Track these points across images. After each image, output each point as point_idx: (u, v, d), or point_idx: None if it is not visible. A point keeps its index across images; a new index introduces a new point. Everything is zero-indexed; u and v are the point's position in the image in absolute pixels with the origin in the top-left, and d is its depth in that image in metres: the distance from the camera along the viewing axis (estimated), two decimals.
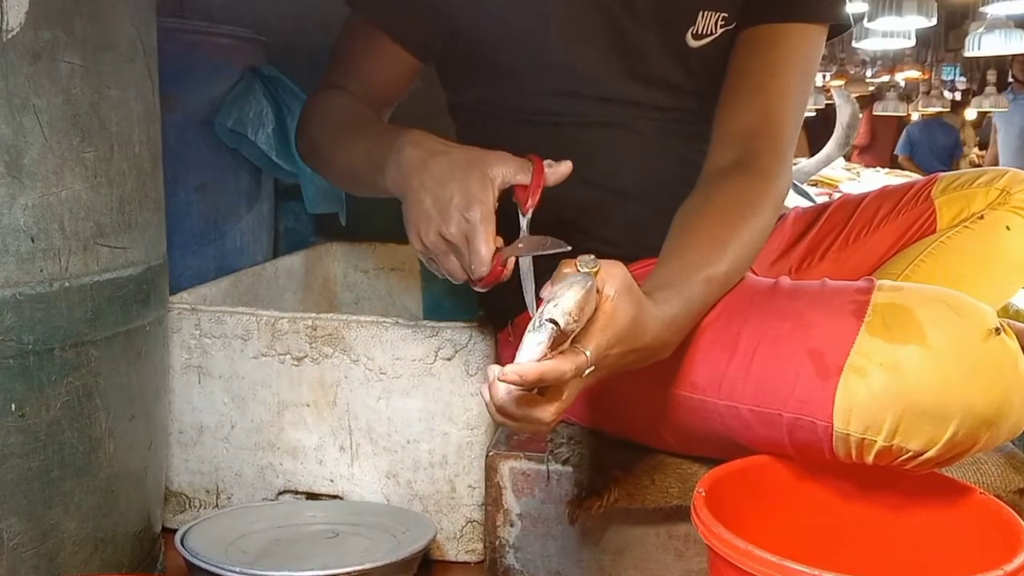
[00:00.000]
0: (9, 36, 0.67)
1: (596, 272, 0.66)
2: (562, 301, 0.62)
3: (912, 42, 3.01)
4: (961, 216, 1.04)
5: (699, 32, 0.95)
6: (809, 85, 0.96)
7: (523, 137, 1.00)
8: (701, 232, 0.82)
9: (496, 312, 1.06)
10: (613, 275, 0.66)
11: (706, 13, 0.94)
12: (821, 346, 0.72)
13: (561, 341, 0.63)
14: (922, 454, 0.68)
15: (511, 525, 0.92)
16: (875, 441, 0.69)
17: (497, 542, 0.93)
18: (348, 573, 0.83)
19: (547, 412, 0.63)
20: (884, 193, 1.12)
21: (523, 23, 0.94)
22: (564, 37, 0.94)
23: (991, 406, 0.67)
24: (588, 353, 0.63)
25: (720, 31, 0.95)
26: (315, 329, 1.00)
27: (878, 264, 1.07)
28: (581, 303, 0.62)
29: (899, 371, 0.67)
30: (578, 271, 0.65)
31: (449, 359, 0.98)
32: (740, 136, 0.90)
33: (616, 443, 0.93)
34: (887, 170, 4.92)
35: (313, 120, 1.00)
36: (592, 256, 0.66)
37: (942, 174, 1.12)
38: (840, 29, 0.99)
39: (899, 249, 1.07)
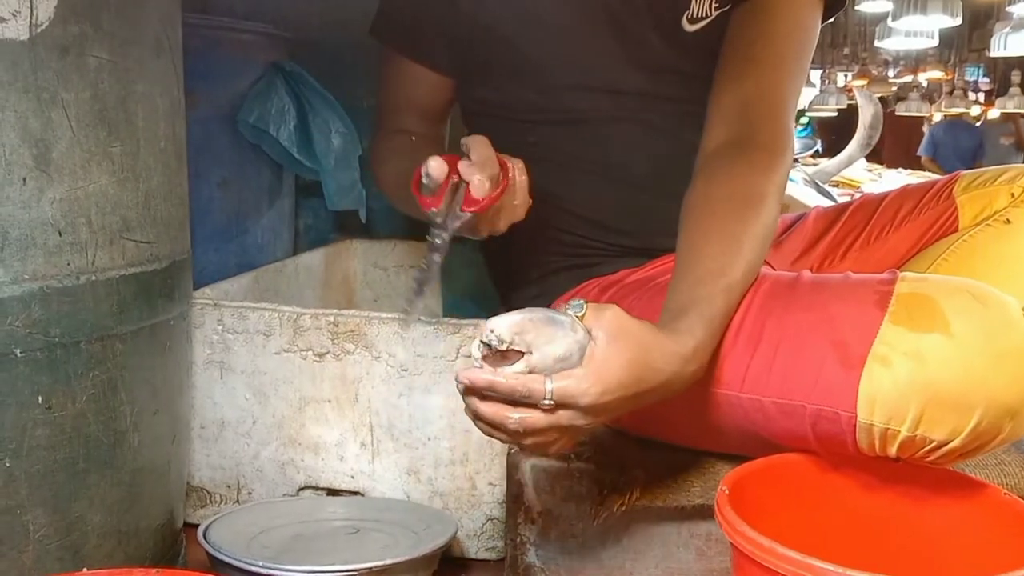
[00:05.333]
0: (38, 30, 0.67)
1: (583, 316, 0.68)
2: (496, 320, 0.66)
3: (935, 42, 2.99)
4: (983, 214, 1.03)
5: (694, 15, 0.95)
6: (806, 61, 0.94)
7: (536, 135, 1.01)
8: (713, 232, 0.81)
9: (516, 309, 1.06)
10: (602, 319, 0.68)
11: None
12: (845, 336, 0.71)
13: (502, 359, 0.67)
14: (946, 444, 0.68)
15: (532, 523, 0.91)
16: (899, 431, 0.68)
17: (518, 539, 0.92)
18: (369, 569, 0.83)
19: (511, 417, 0.67)
20: (905, 192, 1.11)
21: (529, 25, 0.95)
22: (565, 35, 0.95)
23: (1015, 395, 0.67)
24: (549, 386, 0.66)
25: (715, 13, 0.95)
26: (337, 325, 1.00)
27: (900, 263, 1.06)
28: (519, 326, 0.66)
29: (923, 360, 0.67)
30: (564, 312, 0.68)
31: (470, 356, 0.98)
32: (735, 110, 0.89)
33: (638, 442, 0.92)
34: (909, 171, 4.88)
35: (375, 168, 1.09)
36: (581, 301, 0.68)
37: (964, 172, 1.11)
38: (836, 7, 0.98)
39: (921, 248, 1.06)
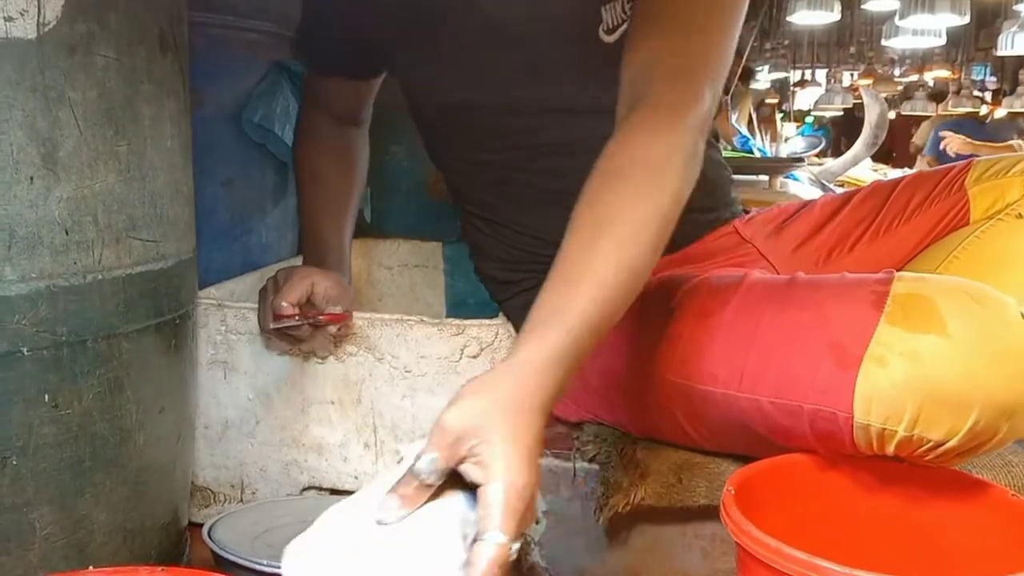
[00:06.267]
0: (46, 29, 0.67)
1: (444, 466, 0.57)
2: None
3: (943, 40, 2.98)
4: (995, 207, 0.99)
5: (609, 26, 0.92)
6: (728, 17, 0.80)
7: (492, 166, 1.01)
8: (595, 214, 0.70)
9: (515, 316, 1.05)
10: (456, 441, 0.58)
11: (608, 6, 0.91)
12: (841, 336, 0.71)
13: None
14: (943, 444, 0.68)
15: (536, 522, 0.92)
16: (896, 431, 0.68)
17: (523, 539, 0.92)
18: None
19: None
20: (917, 180, 1.08)
21: (456, 63, 0.95)
22: (492, 78, 0.95)
23: (1012, 395, 0.66)
24: (505, 539, 0.55)
25: (630, 13, 0.89)
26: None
27: (909, 257, 1.04)
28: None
29: (919, 360, 0.67)
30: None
31: (475, 357, 0.98)
32: (639, 74, 0.77)
33: (643, 442, 0.92)
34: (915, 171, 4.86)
35: (296, 147, 1.18)
36: (431, 457, 0.57)
37: (978, 159, 1.07)
38: None
39: (931, 241, 1.03)
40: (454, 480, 0.59)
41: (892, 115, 5.54)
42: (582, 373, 0.94)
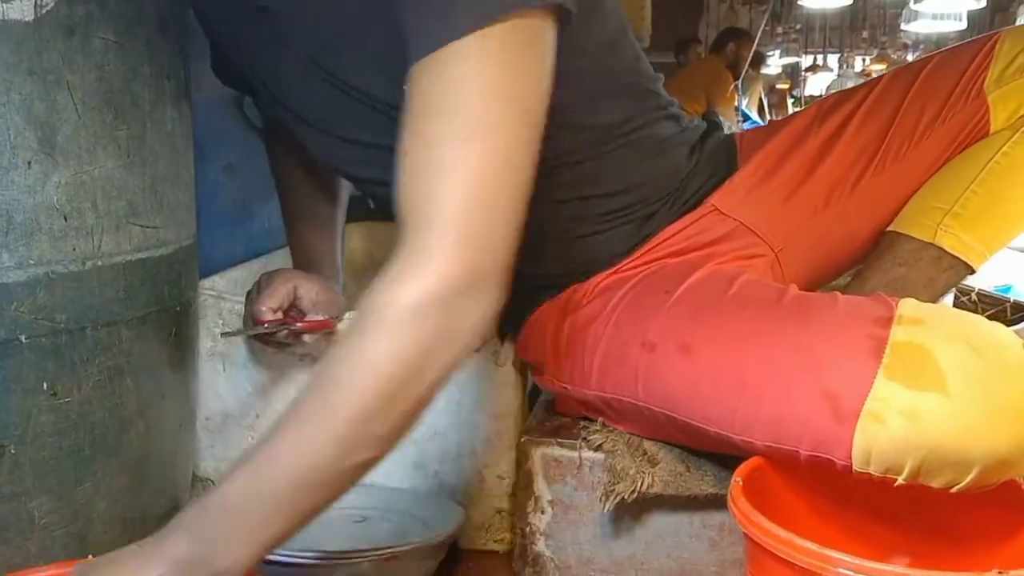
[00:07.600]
0: (44, 11, 0.66)
1: None
2: None
3: (964, 24, 2.95)
4: (1019, 113, 0.87)
5: None
6: (480, 138, 0.63)
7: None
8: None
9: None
10: None
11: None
12: (836, 388, 0.68)
13: None
14: (946, 490, 0.67)
15: (542, 512, 0.91)
16: (896, 479, 0.67)
17: (528, 529, 0.92)
18: (378, 556, 0.83)
19: None
20: (931, 82, 0.92)
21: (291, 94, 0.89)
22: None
23: (1015, 449, 0.64)
24: None
25: None
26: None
27: (919, 186, 0.93)
28: None
29: (918, 419, 0.65)
30: None
31: (477, 349, 0.96)
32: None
33: None
34: None
35: (271, 162, 1.14)
36: None
37: (1006, 33, 0.90)
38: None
39: (945, 161, 0.92)
40: None
41: None
42: (568, 396, 0.93)
